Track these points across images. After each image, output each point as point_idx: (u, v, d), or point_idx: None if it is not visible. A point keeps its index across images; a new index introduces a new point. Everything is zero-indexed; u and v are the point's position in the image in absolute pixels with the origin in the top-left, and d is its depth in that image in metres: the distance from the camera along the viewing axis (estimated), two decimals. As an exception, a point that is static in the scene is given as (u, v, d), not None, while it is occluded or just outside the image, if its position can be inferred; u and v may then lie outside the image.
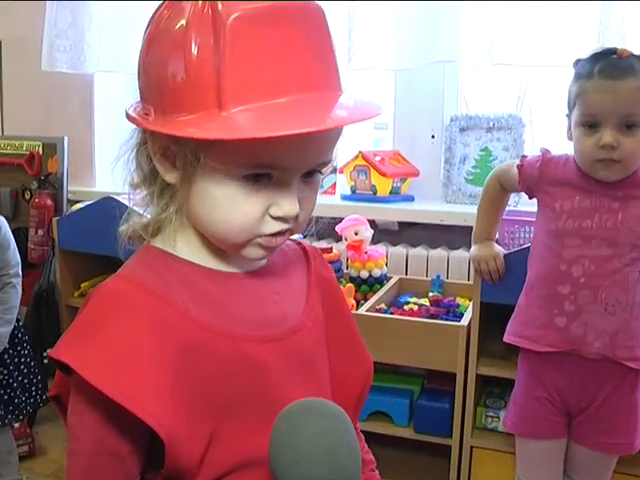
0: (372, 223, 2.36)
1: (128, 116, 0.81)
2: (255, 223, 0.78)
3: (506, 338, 1.71)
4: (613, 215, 1.55)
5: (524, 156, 1.74)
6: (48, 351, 2.23)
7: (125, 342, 0.74)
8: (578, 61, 1.59)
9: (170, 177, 0.81)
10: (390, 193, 2.54)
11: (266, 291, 0.88)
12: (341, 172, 2.64)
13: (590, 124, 1.52)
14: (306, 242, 1.03)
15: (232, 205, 0.77)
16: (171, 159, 0.79)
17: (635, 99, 1.49)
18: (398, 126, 2.69)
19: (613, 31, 2.06)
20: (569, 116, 1.60)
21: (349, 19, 2.37)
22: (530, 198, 1.75)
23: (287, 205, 0.78)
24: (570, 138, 1.60)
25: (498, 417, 1.97)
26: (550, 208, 1.63)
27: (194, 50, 0.72)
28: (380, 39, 2.36)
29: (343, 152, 2.67)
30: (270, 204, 0.78)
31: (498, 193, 1.81)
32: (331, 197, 2.67)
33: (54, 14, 2.75)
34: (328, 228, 2.41)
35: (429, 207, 2.51)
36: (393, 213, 2.49)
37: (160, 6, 0.79)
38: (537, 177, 1.66)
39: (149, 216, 0.86)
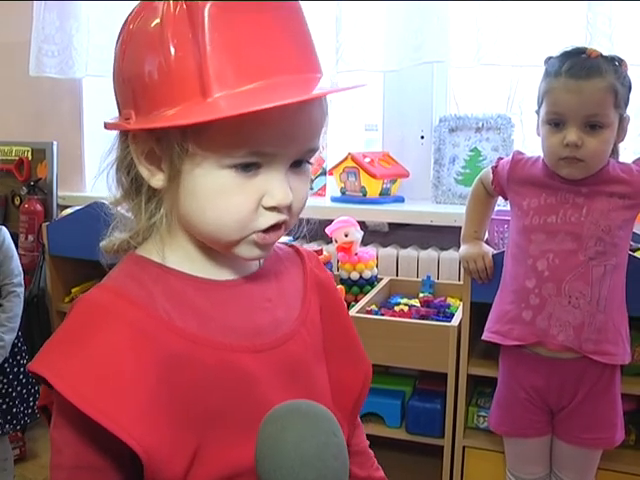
0: (362, 224, 2.36)
1: (107, 125, 0.81)
2: (249, 215, 0.77)
3: (483, 335, 1.74)
4: (577, 210, 1.58)
5: (500, 158, 1.77)
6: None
7: (104, 357, 0.72)
8: (549, 58, 1.60)
9: (156, 181, 0.79)
10: (380, 194, 2.55)
11: (257, 298, 0.86)
12: (330, 174, 2.64)
13: (556, 122, 1.55)
14: (300, 246, 1.00)
15: (224, 198, 0.76)
16: (156, 161, 0.78)
17: (599, 100, 1.51)
18: (387, 127, 2.69)
19: (600, 30, 2.07)
20: (538, 112, 1.62)
21: (336, 21, 2.37)
22: (505, 200, 1.78)
23: (279, 193, 0.77)
24: (539, 134, 1.63)
25: (490, 417, 1.97)
26: (518, 207, 1.67)
27: (172, 44, 0.72)
28: (368, 40, 2.36)
29: (332, 154, 2.68)
30: (262, 194, 0.77)
31: (483, 196, 1.85)
32: (321, 199, 2.68)
33: (41, 19, 2.74)
34: (318, 230, 2.39)
35: (419, 208, 2.51)
36: (383, 214, 2.50)
37: (132, 11, 0.79)
38: (506, 178, 1.70)
39: (130, 232, 0.84)
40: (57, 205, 2.85)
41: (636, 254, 1.74)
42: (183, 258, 0.83)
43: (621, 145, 1.65)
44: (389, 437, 2.03)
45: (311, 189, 2.69)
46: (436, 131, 2.54)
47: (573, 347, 1.60)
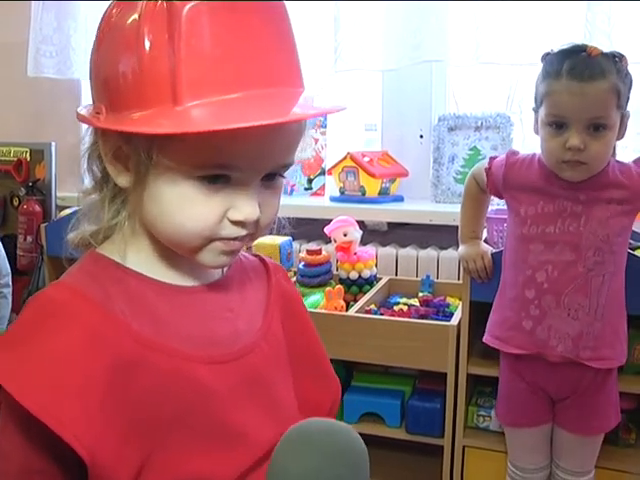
0: (361, 224, 2.36)
1: (78, 115, 0.78)
2: (212, 226, 0.74)
3: (484, 338, 1.75)
4: (576, 220, 1.57)
5: (492, 158, 1.74)
6: None
7: (55, 356, 0.70)
8: (547, 55, 1.57)
9: (122, 180, 0.77)
10: (379, 194, 2.54)
11: (219, 307, 0.84)
12: (330, 173, 2.64)
13: (557, 125, 1.52)
14: (267, 258, 0.98)
15: (187, 208, 0.73)
16: (123, 160, 0.76)
17: (603, 102, 1.49)
18: (386, 126, 2.68)
19: (599, 29, 2.07)
20: (536, 111, 1.60)
21: (335, 20, 2.36)
22: (500, 199, 1.77)
23: (247, 208, 0.74)
24: (537, 132, 1.60)
25: (489, 416, 1.97)
26: (516, 213, 1.66)
27: (147, 43, 0.69)
28: (366, 40, 2.35)
29: (332, 153, 2.68)
30: (228, 207, 0.74)
31: (477, 193, 1.83)
32: (320, 199, 2.67)
33: (39, 19, 2.73)
34: (317, 229, 2.41)
35: (418, 207, 2.51)
36: (382, 214, 2.49)
37: (111, 4, 0.76)
38: (502, 181, 1.68)
39: (98, 223, 0.81)
40: (56, 206, 2.84)
41: (636, 252, 1.73)
42: (145, 260, 0.81)
43: (621, 143, 1.64)
44: (389, 437, 2.03)
45: (310, 188, 2.69)
46: (435, 130, 2.54)
47: (571, 357, 1.60)
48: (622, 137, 1.59)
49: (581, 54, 1.51)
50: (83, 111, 0.79)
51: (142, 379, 0.73)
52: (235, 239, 0.77)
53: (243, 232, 0.76)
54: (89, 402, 0.70)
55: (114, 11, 0.75)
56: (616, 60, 1.53)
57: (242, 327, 0.84)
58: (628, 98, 1.55)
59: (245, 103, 0.69)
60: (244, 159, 0.72)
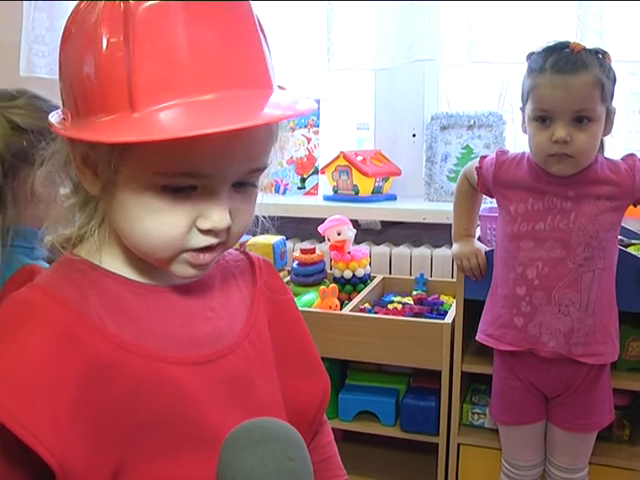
0: (355, 223, 2.36)
1: (48, 121, 0.75)
2: (180, 237, 0.72)
3: (477, 337, 1.76)
4: (565, 216, 1.58)
5: (483, 157, 1.75)
6: None
7: (24, 359, 0.68)
8: (532, 54, 1.60)
9: (91, 187, 0.75)
10: (372, 193, 2.55)
11: (199, 307, 0.81)
12: (323, 173, 2.64)
13: (543, 119, 1.54)
14: (254, 253, 0.95)
15: (153, 217, 0.71)
16: (92, 167, 0.73)
17: (587, 94, 1.51)
18: (379, 125, 2.69)
19: (591, 28, 2.08)
20: (523, 109, 1.62)
21: (328, 19, 2.37)
22: (491, 197, 1.78)
23: (216, 216, 0.71)
24: (525, 131, 1.62)
25: (484, 414, 1.98)
26: (506, 211, 1.67)
27: (104, 46, 0.66)
28: (359, 39, 2.36)
29: (324, 152, 2.68)
30: (197, 215, 0.71)
31: (469, 191, 1.84)
32: (313, 198, 2.67)
33: (31, 19, 2.73)
34: (311, 228, 2.42)
35: (411, 206, 2.52)
36: (375, 212, 2.50)
37: (78, 3, 0.72)
38: (492, 180, 1.70)
39: (72, 228, 0.79)
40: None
41: (628, 249, 1.74)
42: (121, 261, 0.78)
43: (610, 140, 1.65)
44: (384, 435, 2.03)
45: (303, 188, 2.69)
46: (428, 129, 2.54)
47: (563, 352, 1.61)
48: (609, 133, 1.61)
49: (564, 50, 1.54)
50: (54, 117, 0.76)
51: (116, 382, 0.71)
52: (206, 249, 0.74)
53: (214, 241, 0.73)
54: (59, 408, 0.67)
55: (79, 9, 0.71)
56: (599, 56, 1.55)
57: (224, 327, 0.82)
58: (612, 94, 1.56)
59: (204, 109, 0.65)
60: (207, 166, 0.69)
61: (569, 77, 1.50)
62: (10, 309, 0.72)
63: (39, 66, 2.76)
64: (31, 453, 0.66)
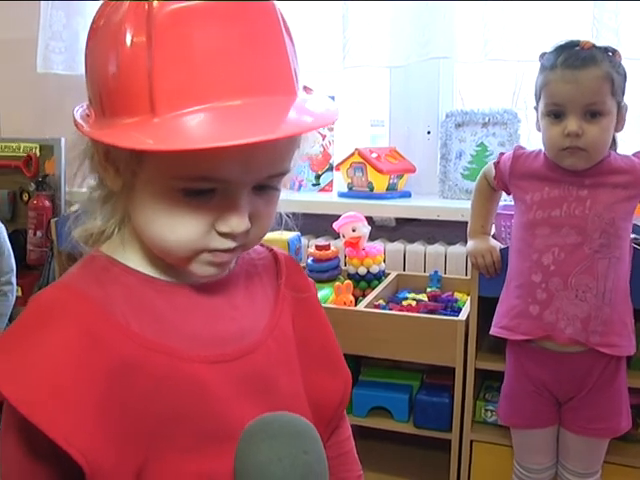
0: (369, 220, 2.37)
1: (74, 116, 0.75)
2: (198, 239, 0.72)
3: (491, 330, 1.76)
4: (581, 203, 1.59)
5: (502, 154, 1.78)
6: None
7: (52, 359, 0.68)
8: (544, 54, 1.63)
9: (112, 183, 0.75)
10: (387, 190, 2.55)
11: (223, 306, 0.81)
12: (337, 169, 2.65)
13: (555, 113, 1.57)
14: (279, 249, 0.95)
15: (172, 219, 0.71)
16: (113, 164, 0.73)
17: (597, 88, 1.53)
18: (394, 123, 2.69)
19: (607, 26, 2.07)
20: (536, 108, 1.64)
21: (343, 17, 2.37)
22: (508, 194, 1.79)
23: (234, 220, 0.71)
24: (539, 129, 1.64)
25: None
26: (522, 201, 1.68)
27: (126, 49, 0.66)
28: (375, 36, 2.36)
29: (339, 149, 2.69)
30: (216, 218, 0.71)
31: (487, 191, 1.86)
32: (328, 194, 2.68)
33: (49, 16, 2.75)
34: (325, 225, 2.42)
35: (426, 203, 2.52)
36: (390, 209, 2.50)
37: (103, 2, 0.72)
38: (508, 173, 1.72)
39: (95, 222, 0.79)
40: (65, 201, 2.85)
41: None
42: (143, 259, 0.78)
43: (621, 136, 1.66)
44: (397, 431, 2.04)
45: (318, 184, 2.70)
46: (442, 126, 2.54)
47: (580, 340, 1.61)
48: (621, 129, 1.63)
49: (574, 47, 1.57)
50: (79, 112, 0.76)
51: (141, 381, 0.72)
52: (225, 251, 0.74)
53: (232, 244, 0.73)
54: (87, 407, 0.68)
55: (105, 10, 0.71)
56: (609, 53, 1.58)
57: (248, 325, 0.82)
58: (623, 90, 1.59)
59: (225, 116, 0.64)
60: (227, 172, 0.69)
61: (579, 72, 1.52)
62: (36, 310, 0.72)
63: (56, 62, 2.78)
64: (59, 451, 0.66)
